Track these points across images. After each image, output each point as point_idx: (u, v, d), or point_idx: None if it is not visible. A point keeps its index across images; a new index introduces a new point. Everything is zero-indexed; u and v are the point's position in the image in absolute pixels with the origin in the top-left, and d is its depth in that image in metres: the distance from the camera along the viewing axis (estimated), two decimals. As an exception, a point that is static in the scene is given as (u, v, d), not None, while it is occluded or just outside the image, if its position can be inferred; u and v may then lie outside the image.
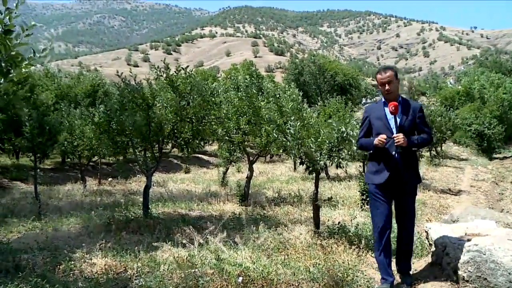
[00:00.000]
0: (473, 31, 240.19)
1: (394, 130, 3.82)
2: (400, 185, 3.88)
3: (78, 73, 28.08)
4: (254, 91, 8.95)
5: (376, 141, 3.82)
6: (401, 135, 3.72)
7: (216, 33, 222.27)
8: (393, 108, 3.75)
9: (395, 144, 3.74)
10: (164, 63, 7.39)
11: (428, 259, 4.47)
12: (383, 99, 4.02)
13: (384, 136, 3.77)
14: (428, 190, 11.69)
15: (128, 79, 7.32)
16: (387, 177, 3.84)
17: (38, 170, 11.00)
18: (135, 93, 7.15)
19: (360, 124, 4.36)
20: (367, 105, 4.55)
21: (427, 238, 4.72)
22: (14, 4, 3.02)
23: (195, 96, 7.23)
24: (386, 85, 3.88)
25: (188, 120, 7.50)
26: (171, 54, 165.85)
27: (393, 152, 3.82)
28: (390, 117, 3.88)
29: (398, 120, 3.83)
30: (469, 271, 3.56)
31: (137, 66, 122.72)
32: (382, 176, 3.88)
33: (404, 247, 4.07)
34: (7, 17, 2.97)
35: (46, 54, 3.26)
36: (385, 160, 3.88)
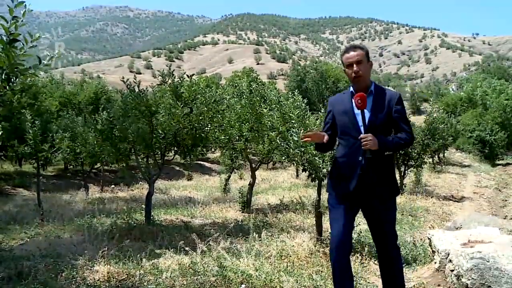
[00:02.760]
0: (474, 38, 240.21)
1: (362, 129, 2.99)
2: (370, 200, 3.07)
3: (81, 81, 28.23)
4: (257, 98, 8.97)
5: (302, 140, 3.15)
6: (369, 136, 2.89)
7: (218, 40, 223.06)
8: (359, 101, 2.91)
9: (362, 147, 2.92)
10: (169, 69, 7.42)
11: (431, 266, 4.46)
12: (350, 89, 3.18)
13: (320, 133, 3.11)
14: (431, 197, 11.67)
15: (133, 85, 7.35)
16: (352, 188, 3.03)
17: (41, 177, 11.02)
18: (138, 100, 7.17)
19: (323, 120, 3.55)
20: (331, 97, 3.47)
21: (430, 245, 4.71)
22: (21, 12, 3.04)
23: (198, 104, 7.24)
24: (355, 65, 3.03)
25: (191, 127, 7.51)
26: (173, 61, 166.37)
27: (360, 158, 3.00)
28: (358, 111, 3.02)
29: (367, 116, 3.00)
30: (472, 278, 3.55)
31: (140, 73, 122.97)
32: (345, 186, 3.08)
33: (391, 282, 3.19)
34: (13, 26, 2.98)
35: (50, 63, 3.28)
36: (350, 168, 3.06)
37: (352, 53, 3.07)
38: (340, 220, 3.08)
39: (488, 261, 3.51)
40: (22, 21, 3.03)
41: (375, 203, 3.05)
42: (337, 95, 3.39)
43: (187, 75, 7.50)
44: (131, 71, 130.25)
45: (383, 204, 3.06)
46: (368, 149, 2.90)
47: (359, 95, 2.92)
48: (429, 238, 4.73)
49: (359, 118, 3.02)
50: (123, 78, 7.40)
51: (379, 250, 3.20)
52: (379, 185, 3.01)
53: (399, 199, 10.95)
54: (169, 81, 7.28)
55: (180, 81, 7.34)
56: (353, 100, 3.05)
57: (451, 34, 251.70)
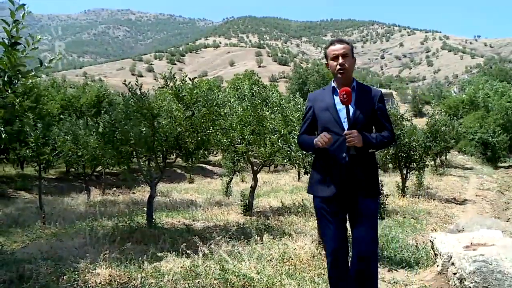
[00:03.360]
0: (476, 40, 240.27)
1: (346, 125, 2.90)
2: (353, 199, 2.94)
3: (83, 84, 28.29)
4: (259, 101, 8.98)
5: (316, 140, 2.90)
6: (354, 132, 2.80)
7: (220, 43, 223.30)
8: (344, 96, 2.80)
9: (347, 144, 2.83)
10: (170, 72, 7.43)
11: (434, 269, 4.44)
12: (332, 84, 3.09)
13: (327, 135, 2.84)
14: (433, 200, 11.65)
15: (135, 88, 7.36)
16: (337, 189, 2.91)
17: (43, 180, 11.04)
18: (140, 103, 7.18)
19: (302, 116, 3.40)
20: (310, 92, 3.28)
21: (432, 248, 4.70)
22: (21, 15, 3.05)
23: (200, 107, 7.25)
24: (340, 58, 2.94)
25: (193, 130, 7.52)
26: (175, 64, 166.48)
27: (344, 155, 2.89)
28: (340, 107, 2.93)
29: (351, 111, 2.90)
30: (475, 281, 3.53)
31: (142, 76, 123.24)
32: (330, 188, 2.94)
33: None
34: (14, 29, 3.00)
35: (52, 65, 3.28)
36: (333, 166, 2.93)
37: (338, 46, 2.98)
38: (332, 226, 2.97)
39: (491, 264, 3.50)
40: (23, 24, 3.05)
41: (359, 197, 2.92)
42: (317, 91, 3.30)
43: (189, 78, 7.51)
44: (132, 74, 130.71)
45: (367, 197, 2.93)
46: (352, 145, 2.82)
47: (345, 89, 2.81)
48: (431, 241, 4.72)
49: (342, 114, 2.93)
50: (125, 81, 7.41)
51: (354, 251, 2.97)
52: (364, 181, 2.91)
53: (401, 202, 10.95)
54: (171, 84, 7.28)
55: (182, 84, 7.35)
56: (334, 96, 3.00)
57: (453, 36, 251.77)
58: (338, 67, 2.94)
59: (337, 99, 2.96)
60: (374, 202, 3.01)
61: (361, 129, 2.88)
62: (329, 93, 3.07)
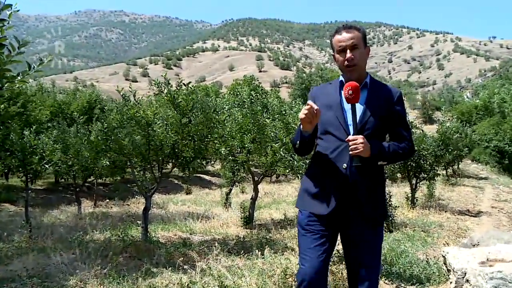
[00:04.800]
0: (491, 41, 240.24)
1: (351, 129, 2.44)
2: (353, 223, 2.48)
3: (74, 89, 28.38)
4: (259, 108, 9.00)
5: (301, 115, 2.39)
6: (359, 138, 2.34)
7: (219, 46, 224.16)
8: (349, 91, 2.35)
9: (350, 152, 2.36)
10: (164, 78, 7.45)
11: (446, 286, 4.42)
12: (340, 77, 2.64)
13: (312, 104, 2.34)
14: (445, 211, 11.62)
15: (128, 95, 7.39)
16: (333, 207, 2.44)
17: (30, 191, 11.04)
18: (134, 110, 7.20)
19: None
20: (314, 87, 2.92)
21: (444, 264, 4.67)
22: (7, 14, 2.98)
23: (197, 114, 7.26)
24: (348, 50, 2.48)
25: (190, 138, 7.53)
26: (171, 68, 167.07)
27: (344, 166, 2.43)
28: (347, 107, 2.47)
29: (359, 113, 2.46)
30: (491, 299, 3.51)
31: (136, 81, 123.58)
32: (323, 204, 2.48)
33: None
34: (-1, 30, 2.93)
35: (42, 69, 3.24)
36: (331, 178, 2.48)
37: (345, 35, 2.51)
38: (314, 251, 2.47)
39: (510, 282, 3.48)
40: (8, 23, 2.97)
41: (360, 226, 2.47)
42: (321, 85, 2.82)
43: (183, 84, 7.53)
44: (126, 79, 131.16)
45: (370, 228, 2.48)
46: (357, 155, 2.35)
47: (351, 84, 2.36)
48: (443, 256, 4.69)
49: (349, 115, 2.47)
50: (117, 87, 7.44)
51: None
52: (367, 203, 2.44)
53: (411, 214, 10.92)
54: (165, 90, 7.31)
55: (177, 90, 7.37)
56: (342, 92, 2.51)
57: (466, 38, 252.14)
58: (346, 62, 2.50)
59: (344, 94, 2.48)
60: (378, 232, 2.54)
61: (371, 135, 2.43)
62: (336, 88, 2.62)
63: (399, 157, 2.55)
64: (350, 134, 2.42)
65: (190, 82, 7.76)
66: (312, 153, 2.75)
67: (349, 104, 2.42)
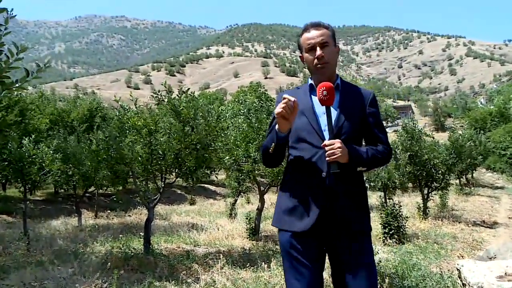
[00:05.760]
0: (506, 45, 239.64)
1: (326, 134, 2.31)
2: (338, 236, 2.30)
3: (74, 97, 28.57)
4: (264, 116, 9.01)
5: (277, 110, 2.18)
6: (336, 143, 2.21)
7: (223, 52, 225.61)
8: (324, 92, 2.22)
9: (327, 159, 2.21)
10: (165, 86, 7.49)
11: (462, 300, 4.38)
12: (309, 81, 2.55)
13: (289, 96, 2.16)
14: (459, 222, 11.54)
15: (127, 104, 7.42)
16: (314, 220, 2.26)
17: (28, 202, 11.06)
18: (136, 119, 7.23)
19: (269, 123, 2.67)
20: (282, 92, 2.48)
21: (459, 277, 4.64)
22: (4, 18, 2.97)
23: (199, 121, 7.28)
24: (318, 48, 2.38)
25: (193, 147, 7.55)
26: (174, 75, 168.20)
27: (324, 174, 2.29)
28: (320, 111, 2.37)
29: (334, 116, 2.35)
30: (509, 314, 3.48)
31: (138, 89, 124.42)
32: (304, 219, 2.30)
33: None
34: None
35: (38, 75, 3.23)
36: (310, 188, 2.32)
37: (314, 33, 2.42)
38: (305, 275, 2.31)
39: (528, 296, 3.44)
40: (6, 28, 2.95)
41: (345, 238, 2.29)
42: (289, 91, 2.62)
43: (183, 91, 7.56)
44: (128, 86, 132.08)
45: (357, 240, 2.31)
46: (334, 161, 2.20)
47: (325, 84, 2.22)
48: (458, 269, 4.65)
49: (322, 120, 2.35)
50: (115, 97, 7.47)
51: None
52: (350, 212, 2.30)
53: (423, 225, 10.86)
54: (166, 99, 7.35)
55: (179, 98, 7.41)
56: (313, 96, 2.43)
57: (479, 41, 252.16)
58: (316, 61, 2.39)
59: (315, 100, 2.38)
60: (367, 240, 2.38)
61: (347, 140, 2.31)
62: (306, 92, 2.51)
63: (378, 162, 2.42)
64: (325, 139, 2.28)
65: (189, 89, 7.79)
66: (285, 165, 2.59)
67: (322, 108, 2.30)
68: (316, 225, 2.25)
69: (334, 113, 2.34)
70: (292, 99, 2.15)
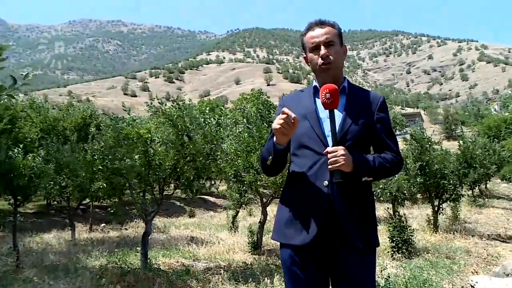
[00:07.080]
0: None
1: (329, 140, 2.22)
2: (340, 249, 2.20)
3: (68, 104, 28.62)
4: (265, 125, 9.03)
5: (275, 125, 2.12)
6: (340, 150, 2.11)
7: (224, 58, 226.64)
8: (327, 94, 2.14)
9: (329, 167, 2.13)
10: (157, 98, 7.56)
11: (475, 318, 4.34)
12: (314, 83, 2.45)
13: (288, 110, 2.08)
14: (472, 236, 11.47)
15: (119, 115, 7.47)
16: (315, 233, 2.16)
17: (18, 215, 11.04)
18: (131, 128, 7.25)
19: (270, 130, 2.65)
20: (284, 96, 2.71)
21: (473, 293, 4.60)
22: None
23: (196, 131, 7.30)
24: (322, 47, 2.29)
25: (192, 157, 7.55)
26: (173, 82, 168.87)
27: (326, 183, 2.19)
28: (324, 115, 2.27)
29: (338, 121, 2.25)
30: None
31: (135, 96, 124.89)
32: (304, 233, 2.20)
33: None
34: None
35: (28, 81, 3.22)
36: (311, 198, 2.23)
37: (319, 31, 2.33)
38: None
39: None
40: None
41: (347, 253, 2.19)
42: (291, 94, 2.62)
43: (174, 100, 7.62)
44: (125, 94, 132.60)
45: (360, 255, 2.21)
46: (337, 169, 2.12)
47: (328, 86, 2.14)
48: (472, 286, 4.63)
49: (326, 125, 2.26)
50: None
51: None
52: (354, 225, 2.19)
53: (433, 238, 10.81)
54: (160, 111, 7.39)
55: (173, 108, 7.44)
56: (317, 99, 2.34)
57: (492, 45, 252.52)
58: (320, 61, 2.30)
59: (319, 102, 2.28)
60: (371, 256, 2.28)
61: (352, 147, 2.21)
62: (310, 94, 2.42)
63: (386, 171, 2.30)
64: (328, 146, 2.20)
65: (178, 97, 7.85)
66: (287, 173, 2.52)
67: (326, 111, 2.21)
68: (318, 239, 2.17)
69: (338, 117, 2.24)
70: (292, 115, 2.07)
